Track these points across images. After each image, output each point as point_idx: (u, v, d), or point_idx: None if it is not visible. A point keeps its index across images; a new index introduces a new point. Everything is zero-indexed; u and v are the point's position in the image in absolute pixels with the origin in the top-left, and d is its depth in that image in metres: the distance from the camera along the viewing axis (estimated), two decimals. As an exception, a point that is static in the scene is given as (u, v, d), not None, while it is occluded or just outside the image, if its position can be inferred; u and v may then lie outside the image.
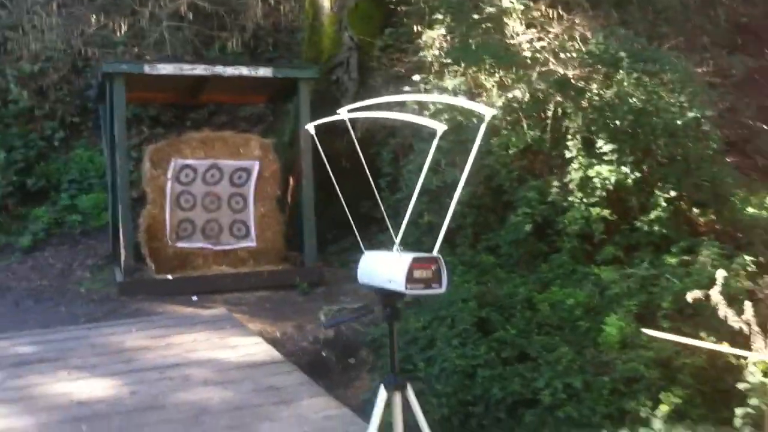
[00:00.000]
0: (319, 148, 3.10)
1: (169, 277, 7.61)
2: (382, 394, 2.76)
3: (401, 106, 5.84)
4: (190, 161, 7.81)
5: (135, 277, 7.59)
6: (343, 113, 2.88)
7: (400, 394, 2.78)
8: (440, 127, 2.83)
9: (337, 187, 3.47)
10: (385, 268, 2.71)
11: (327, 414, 4.59)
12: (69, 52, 10.36)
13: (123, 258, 7.51)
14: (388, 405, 2.84)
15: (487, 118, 2.61)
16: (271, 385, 5.10)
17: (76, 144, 10.21)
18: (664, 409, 4.76)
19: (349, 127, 2.93)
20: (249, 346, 5.93)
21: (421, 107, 8.28)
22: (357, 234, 3.24)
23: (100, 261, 8.68)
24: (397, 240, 2.76)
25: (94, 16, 10.42)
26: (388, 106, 2.99)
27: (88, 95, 10.12)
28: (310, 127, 2.99)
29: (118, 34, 10.36)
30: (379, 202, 3.71)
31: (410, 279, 2.56)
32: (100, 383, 5.20)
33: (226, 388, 5.04)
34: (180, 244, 7.85)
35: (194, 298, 7.44)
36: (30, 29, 10.27)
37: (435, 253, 2.66)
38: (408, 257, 2.60)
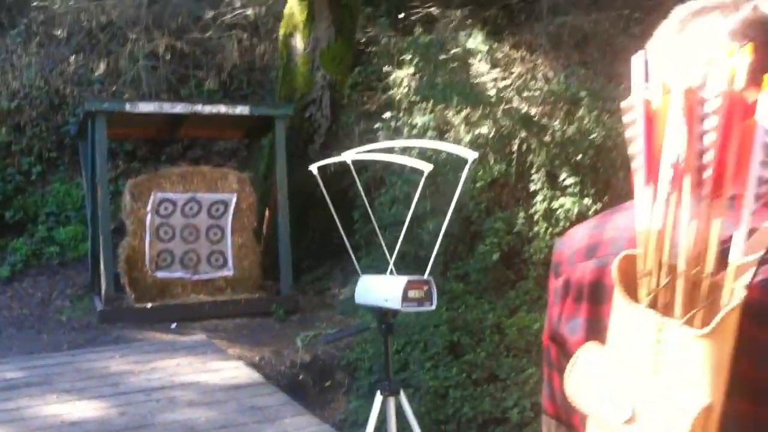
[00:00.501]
0: (322, 186, 3.41)
1: (149, 305, 7.83)
2: (378, 399, 3.06)
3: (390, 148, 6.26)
4: (169, 194, 8.07)
5: (115, 306, 7.80)
6: (347, 156, 3.21)
7: (393, 399, 3.09)
8: (426, 167, 3.17)
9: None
10: (381, 288, 3.04)
11: (310, 430, 4.86)
12: (46, 90, 10.60)
13: (104, 287, 7.72)
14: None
15: (470, 161, 2.96)
16: (254, 405, 5.35)
17: (52, 178, 10.40)
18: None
19: (352, 170, 3.28)
20: (230, 370, 6.18)
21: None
22: (354, 259, 3.58)
23: (79, 291, 8.86)
24: (391, 262, 3.09)
25: (73, 56, 10.68)
26: (384, 150, 3.35)
27: (68, 131, 10.35)
28: (314, 168, 3.30)
29: (96, 72, 10.61)
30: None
31: (405, 298, 2.91)
32: (89, 405, 5.41)
33: (211, 408, 5.29)
34: (159, 274, 8.08)
35: (173, 325, 7.66)
36: (9, 68, 10.50)
37: (426, 276, 3.00)
38: (403, 279, 2.94)
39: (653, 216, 0.93)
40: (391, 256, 3.18)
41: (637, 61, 0.94)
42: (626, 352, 0.96)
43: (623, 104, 0.94)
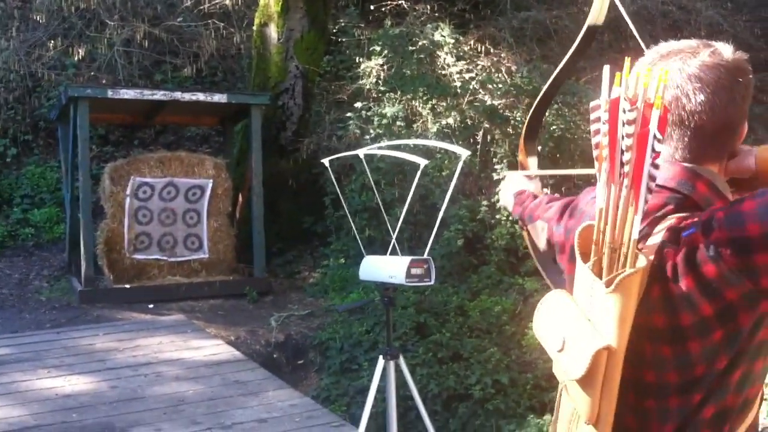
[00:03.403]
0: (332, 178, 3.79)
1: (127, 286, 8.13)
2: (380, 362, 3.48)
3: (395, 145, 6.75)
4: (148, 179, 8.36)
5: (95, 286, 8.09)
6: (359, 151, 3.61)
7: (393, 362, 3.51)
8: (423, 162, 3.56)
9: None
10: (386, 267, 3.46)
11: (292, 403, 5.25)
12: (22, 74, 10.77)
13: (84, 268, 8.00)
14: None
15: (463, 158, 3.36)
16: (237, 379, 5.73)
17: (27, 161, 10.60)
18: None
19: (365, 167, 3.70)
20: (211, 347, 6.54)
21: (362, 132, 9.04)
22: (360, 242, 3.97)
23: (55, 272, 9.11)
24: (392, 241, 3.50)
25: (51, 41, 10.85)
26: (389, 147, 3.78)
27: (43, 114, 10.54)
28: (326, 161, 3.67)
29: (75, 57, 10.80)
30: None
31: (409, 275, 3.34)
32: (80, 379, 5.74)
33: (197, 382, 5.65)
34: (137, 256, 8.37)
35: (150, 306, 7.97)
36: (-15, 52, 10.68)
37: (426, 255, 3.43)
38: (407, 259, 3.37)
39: (599, 198, 1.34)
40: (391, 237, 3.60)
41: (606, 71, 1.30)
42: (576, 300, 1.35)
43: (591, 104, 1.32)
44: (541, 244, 1.73)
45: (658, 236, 1.31)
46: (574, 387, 1.32)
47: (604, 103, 1.29)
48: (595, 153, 1.34)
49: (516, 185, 1.97)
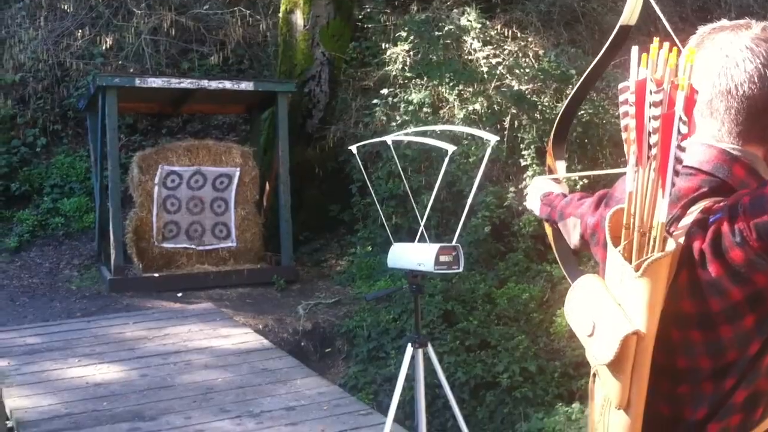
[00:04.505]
0: (360, 165, 3.75)
1: (156, 275, 8.19)
2: (409, 350, 3.47)
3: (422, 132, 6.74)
4: (176, 168, 8.40)
5: (124, 275, 8.15)
6: (387, 138, 3.58)
7: (422, 350, 3.50)
8: (450, 148, 3.50)
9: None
10: (414, 254, 3.44)
11: (319, 391, 5.26)
12: (50, 63, 10.85)
13: (113, 257, 8.07)
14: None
15: (492, 143, 3.32)
16: (265, 368, 5.75)
17: (57, 150, 10.69)
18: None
19: (393, 153, 3.70)
20: (240, 335, 6.57)
21: (388, 119, 9.01)
22: (387, 230, 3.94)
23: (85, 261, 9.20)
24: (420, 228, 3.48)
25: (79, 31, 10.92)
26: (416, 134, 3.75)
27: (72, 104, 10.62)
28: (353, 148, 3.64)
29: (103, 47, 10.86)
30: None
31: (437, 262, 3.31)
32: (110, 368, 5.79)
33: (226, 370, 5.68)
34: (166, 245, 8.43)
35: (179, 294, 8.03)
36: (15, 42, 10.74)
37: (454, 242, 3.39)
38: (435, 246, 3.35)
39: (628, 181, 1.31)
40: (419, 224, 3.56)
41: (634, 52, 1.27)
42: (607, 284, 1.33)
43: (620, 85, 1.30)
44: (573, 240, 1.73)
45: (689, 219, 1.29)
46: (605, 372, 1.31)
47: (632, 85, 1.27)
48: (624, 135, 1.32)
49: (542, 188, 1.95)
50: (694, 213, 1.29)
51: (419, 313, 3.63)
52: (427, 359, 3.70)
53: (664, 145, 1.22)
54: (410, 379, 4.13)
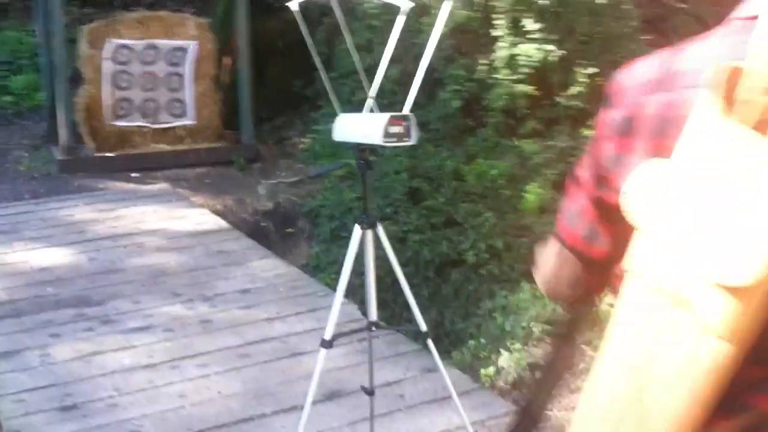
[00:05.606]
0: (302, 25, 3.29)
1: (109, 154, 7.82)
2: (357, 231, 3.18)
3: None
4: (126, 41, 7.90)
5: (75, 156, 7.78)
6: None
7: (371, 231, 3.22)
8: (405, 5, 3.03)
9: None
10: (362, 125, 3.08)
11: (277, 272, 5.05)
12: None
13: (62, 136, 7.67)
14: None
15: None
16: (221, 249, 5.51)
17: (4, 25, 10.09)
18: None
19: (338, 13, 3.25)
20: (196, 217, 6.30)
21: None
22: (337, 101, 3.53)
23: (36, 141, 8.78)
24: (368, 98, 3.11)
25: None
26: None
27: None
28: (294, 4, 3.19)
29: None
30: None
31: (386, 134, 2.94)
32: (57, 252, 5.52)
33: (180, 252, 5.43)
34: (118, 123, 8.01)
35: (133, 175, 7.69)
36: None
37: (406, 111, 3.02)
38: (385, 115, 2.98)
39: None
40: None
41: None
42: (703, 170, 0.90)
43: None
44: (581, 231, 1.22)
45: None
46: (718, 294, 0.89)
47: None
48: None
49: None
50: None
51: (367, 192, 3.30)
52: (377, 240, 3.40)
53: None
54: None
